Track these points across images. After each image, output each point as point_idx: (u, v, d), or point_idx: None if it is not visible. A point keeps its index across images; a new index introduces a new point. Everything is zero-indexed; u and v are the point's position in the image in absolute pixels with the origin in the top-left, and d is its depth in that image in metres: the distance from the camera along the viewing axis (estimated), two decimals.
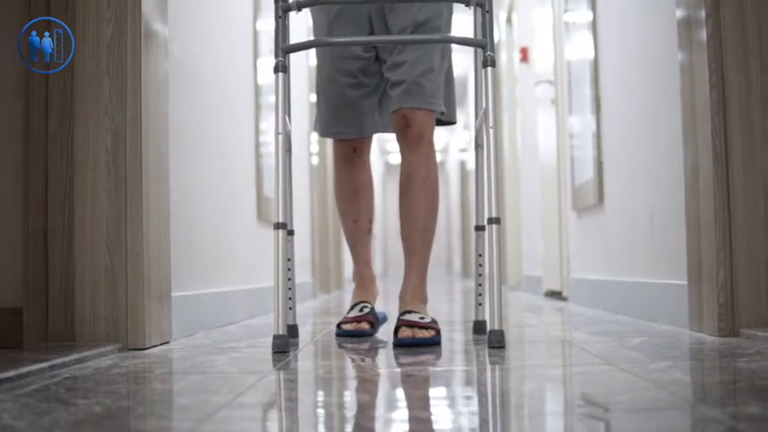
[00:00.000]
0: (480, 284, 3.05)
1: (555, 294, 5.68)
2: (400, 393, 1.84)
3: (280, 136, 2.57)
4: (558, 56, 5.50)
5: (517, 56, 6.72)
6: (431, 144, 2.86)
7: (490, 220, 2.50)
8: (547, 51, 5.83)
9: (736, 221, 2.60)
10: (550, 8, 5.74)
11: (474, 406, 1.66)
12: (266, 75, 4.81)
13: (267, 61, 4.94)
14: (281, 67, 2.59)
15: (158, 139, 2.77)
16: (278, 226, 2.53)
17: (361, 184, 3.09)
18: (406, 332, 2.59)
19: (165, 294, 2.80)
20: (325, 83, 2.98)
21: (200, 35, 3.49)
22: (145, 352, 2.56)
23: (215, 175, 3.62)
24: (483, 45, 2.65)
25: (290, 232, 2.97)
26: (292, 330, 2.93)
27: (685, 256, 2.83)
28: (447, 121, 3.00)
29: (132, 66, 2.65)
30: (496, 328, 2.43)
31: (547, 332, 3.21)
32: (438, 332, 2.61)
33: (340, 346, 2.64)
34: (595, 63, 4.28)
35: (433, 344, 2.58)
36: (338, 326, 2.95)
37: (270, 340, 2.50)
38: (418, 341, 2.56)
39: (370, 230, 3.16)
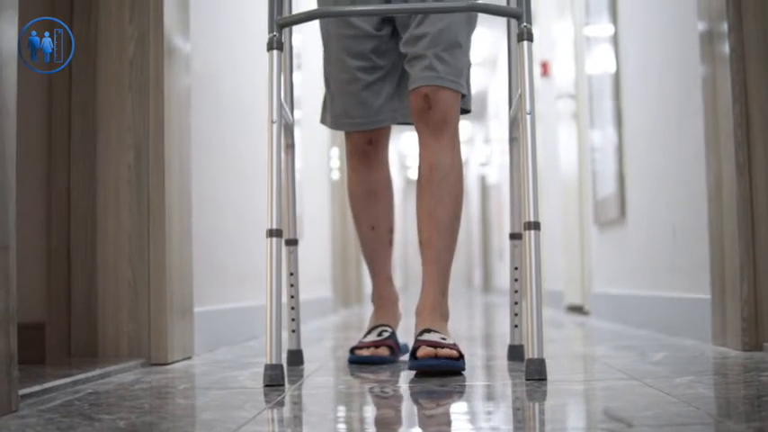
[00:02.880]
0: (516, 303, 2.57)
1: (576, 309, 5.65)
2: (417, 409, 1.83)
3: (273, 125, 2.18)
4: (579, 70, 5.50)
5: (538, 70, 6.71)
6: (456, 132, 2.47)
7: (528, 225, 2.11)
8: (568, 65, 5.83)
9: (759, 235, 2.58)
10: (571, 22, 5.73)
11: (495, 421, 1.65)
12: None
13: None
14: (276, 44, 2.23)
15: (181, 155, 2.78)
16: (271, 233, 2.13)
17: (378, 185, 2.71)
18: (426, 350, 2.20)
19: (187, 310, 2.80)
20: (334, 67, 2.61)
21: (221, 50, 3.51)
22: (167, 367, 2.56)
23: (236, 190, 3.63)
24: (518, 15, 2.22)
25: (293, 242, 2.64)
26: (296, 356, 2.59)
27: (708, 270, 2.82)
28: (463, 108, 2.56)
29: (155, 82, 2.66)
30: (536, 356, 2.04)
31: (569, 347, 3.19)
32: (462, 356, 2.24)
33: (353, 375, 2.33)
34: (617, 77, 4.27)
35: (456, 369, 2.21)
36: (351, 351, 2.57)
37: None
38: (440, 363, 2.19)
39: (390, 242, 2.74)
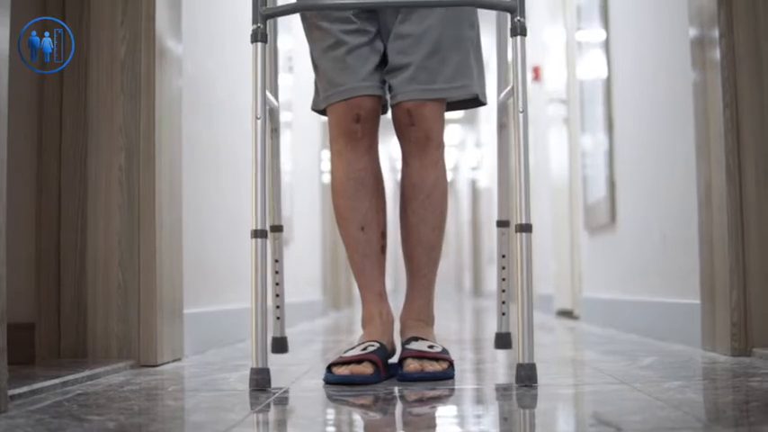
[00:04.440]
0: (504, 290, 2.53)
1: (566, 313, 5.66)
2: (406, 413, 1.83)
3: (258, 121, 2.10)
4: (571, 75, 5.51)
5: (529, 75, 6.73)
6: (440, 145, 2.34)
7: (520, 228, 2.05)
8: (559, 70, 5.84)
9: (749, 240, 2.59)
10: (563, 27, 5.74)
11: (485, 425, 1.65)
12: (281, 93, 4.81)
13: (281, 78, 4.95)
14: (261, 36, 2.13)
15: (171, 157, 2.78)
16: (256, 234, 2.07)
17: (367, 174, 2.36)
18: (412, 365, 2.17)
19: (177, 311, 2.80)
20: (316, 37, 2.34)
21: (213, 52, 3.50)
22: (157, 369, 2.56)
23: (228, 192, 3.63)
24: (511, 8, 2.12)
25: (278, 228, 2.55)
26: (281, 344, 2.54)
27: (698, 275, 2.82)
28: (475, 101, 2.39)
29: (146, 83, 2.66)
30: (526, 361, 2.01)
31: (558, 351, 3.19)
32: (451, 364, 2.22)
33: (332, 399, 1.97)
34: (608, 82, 4.28)
35: (446, 378, 2.18)
36: (329, 368, 2.19)
37: (280, 359, 2.49)
38: (428, 376, 2.16)
39: (383, 249, 2.40)
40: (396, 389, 2.06)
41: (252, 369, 2.04)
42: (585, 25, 4.90)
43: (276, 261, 2.53)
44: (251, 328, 2.05)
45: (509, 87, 2.25)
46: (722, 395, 1.93)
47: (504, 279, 2.53)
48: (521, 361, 2.01)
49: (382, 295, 2.38)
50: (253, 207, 2.09)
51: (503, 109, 2.53)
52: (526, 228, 2.05)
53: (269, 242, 2.23)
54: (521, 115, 2.09)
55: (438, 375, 2.17)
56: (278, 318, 2.51)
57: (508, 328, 2.55)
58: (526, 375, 2.01)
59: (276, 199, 2.54)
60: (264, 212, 2.09)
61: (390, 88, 2.31)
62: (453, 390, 2.07)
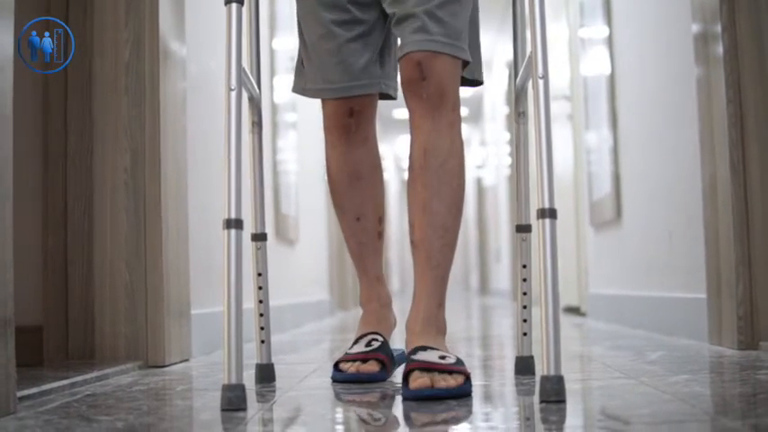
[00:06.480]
0: (525, 306, 2.17)
1: (573, 310, 5.66)
2: (415, 411, 1.83)
3: (232, 93, 1.86)
4: (574, 71, 5.51)
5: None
6: (456, 107, 2.02)
7: (542, 213, 1.74)
8: (563, 67, 5.84)
9: (754, 234, 2.59)
10: (566, 24, 5.74)
11: (494, 421, 1.65)
12: (282, 93, 4.83)
13: (283, 79, 4.96)
14: None
15: (177, 158, 2.79)
16: (229, 224, 1.83)
17: (362, 166, 2.27)
18: (420, 379, 1.82)
19: (184, 312, 2.81)
20: (308, 24, 2.19)
21: (217, 54, 3.51)
22: (165, 369, 2.57)
23: None
24: None
25: (261, 237, 2.23)
26: (267, 372, 2.18)
27: (704, 269, 2.82)
28: (470, 79, 2.14)
29: (150, 85, 2.67)
30: (552, 373, 1.69)
31: (566, 347, 3.19)
32: (468, 378, 1.86)
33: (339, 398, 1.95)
34: (612, 78, 4.28)
35: (462, 395, 1.84)
36: (335, 366, 2.18)
37: (287, 358, 2.50)
38: (440, 393, 1.81)
39: (380, 234, 2.32)
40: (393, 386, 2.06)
41: (224, 386, 1.72)
42: (588, 22, 4.90)
43: (259, 275, 2.20)
44: (223, 335, 1.77)
45: (525, 61, 2.03)
46: (729, 388, 1.93)
47: (525, 293, 2.17)
48: (546, 373, 1.70)
49: (380, 279, 2.35)
50: (225, 192, 1.81)
51: (521, 94, 2.22)
52: (550, 213, 1.74)
53: (251, 253, 2.12)
54: (540, 81, 1.82)
55: (452, 392, 1.81)
56: (263, 341, 2.19)
57: (530, 351, 2.17)
58: (553, 390, 1.68)
59: (259, 203, 2.24)
60: (239, 199, 1.83)
61: (397, 40, 2.07)
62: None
